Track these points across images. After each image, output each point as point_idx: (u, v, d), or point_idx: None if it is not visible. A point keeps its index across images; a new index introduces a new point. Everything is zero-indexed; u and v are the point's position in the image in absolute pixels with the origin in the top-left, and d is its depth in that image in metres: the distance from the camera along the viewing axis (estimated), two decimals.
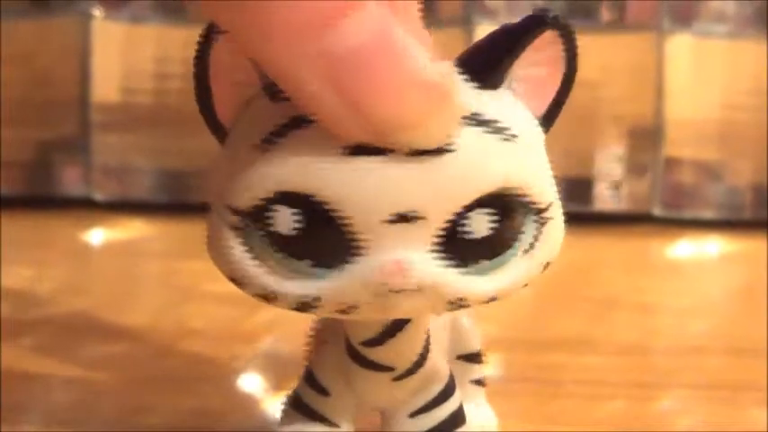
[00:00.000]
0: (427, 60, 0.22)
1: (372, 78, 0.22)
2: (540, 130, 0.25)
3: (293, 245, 0.24)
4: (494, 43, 0.24)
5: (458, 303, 0.24)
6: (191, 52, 0.24)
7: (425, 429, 0.27)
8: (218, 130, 0.25)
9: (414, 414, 0.27)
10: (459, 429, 0.28)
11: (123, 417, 0.34)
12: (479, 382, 0.31)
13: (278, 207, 0.23)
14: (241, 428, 0.33)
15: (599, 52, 0.52)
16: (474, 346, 0.31)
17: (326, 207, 0.23)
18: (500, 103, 0.24)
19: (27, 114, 0.54)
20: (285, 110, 0.24)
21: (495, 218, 0.24)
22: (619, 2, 0.52)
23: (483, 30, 0.49)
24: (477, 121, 0.24)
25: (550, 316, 0.43)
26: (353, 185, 0.23)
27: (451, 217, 0.24)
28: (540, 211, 0.24)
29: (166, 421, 0.33)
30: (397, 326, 0.26)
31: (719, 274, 0.49)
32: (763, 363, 0.37)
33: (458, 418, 0.28)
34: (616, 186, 0.53)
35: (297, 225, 0.23)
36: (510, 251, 0.24)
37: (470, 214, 0.24)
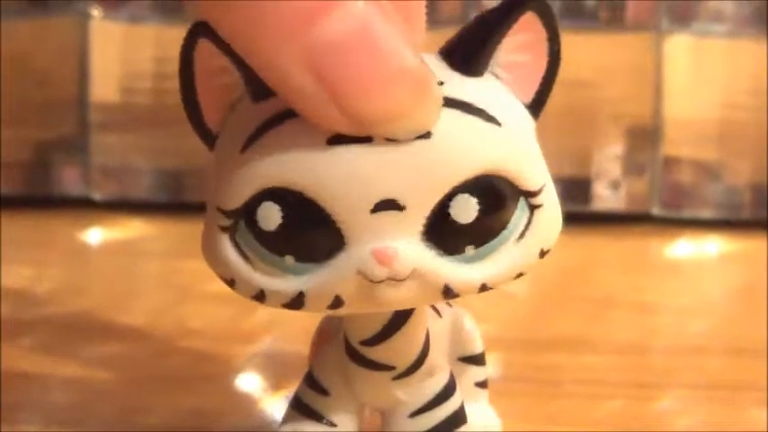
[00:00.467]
0: (409, 53, 0.23)
1: (353, 72, 0.22)
2: (528, 116, 0.25)
3: (279, 241, 0.24)
4: (475, 29, 0.24)
5: (447, 293, 0.24)
6: None
7: (426, 429, 0.27)
8: (207, 136, 0.25)
9: (414, 414, 0.27)
10: (460, 429, 0.28)
11: (122, 416, 0.34)
12: (482, 385, 0.31)
13: (263, 205, 0.24)
14: (240, 428, 0.33)
15: (597, 52, 0.52)
16: (476, 348, 0.31)
17: (309, 200, 0.23)
18: (484, 89, 0.24)
19: (26, 114, 0.54)
20: (265, 109, 0.24)
21: (481, 204, 0.24)
22: (617, 1, 0.52)
23: None
24: (458, 106, 0.24)
25: (549, 316, 0.43)
26: (333, 176, 0.23)
27: (435, 203, 0.24)
28: (529, 198, 0.24)
29: (165, 421, 0.33)
30: (396, 324, 0.26)
31: (719, 274, 0.49)
32: (763, 363, 0.37)
33: (458, 417, 0.28)
34: (615, 186, 0.53)
35: (281, 221, 0.24)
36: (499, 238, 0.24)
37: (455, 200, 0.24)
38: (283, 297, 0.24)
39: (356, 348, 0.27)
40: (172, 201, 0.54)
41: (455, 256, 0.24)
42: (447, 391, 0.28)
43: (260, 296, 0.25)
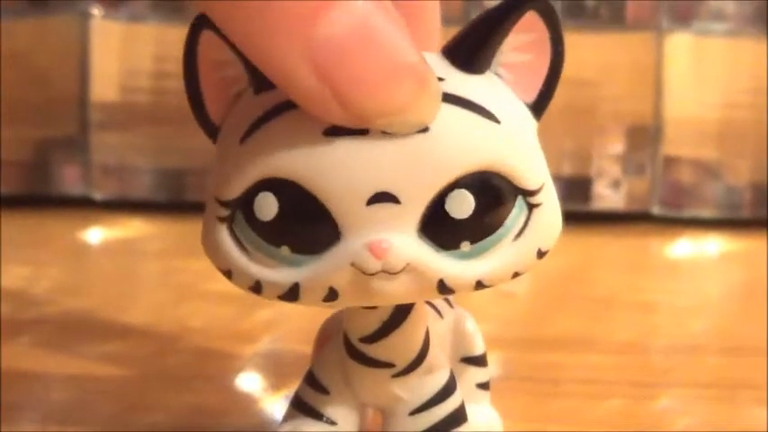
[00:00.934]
0: (409, 50, 0.23)
1: (353, 67, 0.22)
2: (529, 116, 0.25)
3: (275, 232, 0.24)
4: (477, 27, 0.25)
5: (441, 288, 0.24)
6: None
7: (426, 428, 0.27)
8: (210, 128, 0.25)
9: (414, 412, 0.27)
10: (461, 428, 0.28)
11: (122, 415, 0.34)
12: (483, 386, 0.31)
13: (260, 195, 0.24)
14: (240, 427, 0.33)
15: (598, 51, 0.52)
16: (477, 349, 0.31)
17: (305, 191, 0.23)
18: (484, 86, 0.24)
19: (26, 113, 0.54)
20: (266, 101, 0.24)
21: (478, 200, 0.24)
22: (618, 1, 0.52)
23: None
24: (457, 102, 0.24)
25: (549, 315, 0.43)
26: (330, 167, 0.23)
27: (431, 197, 0.24)
28: (528, 196, 0.24)
29: (165, 420, 0.33)
30: (396, 321, 0.26)
31: (718, 273, 0.49)
32: (763, 362, 0.37)
33: (459, 416, 0.28)
34: (615, 185, 0.53)
35: (277, 211, 0.24)
36: (495, 235, 0.24)
37: (451, 195, 0.24)
38: (279, 288, 0.24)
39: (356, 346, 0.27)
40: (172, 200, 0.54)
41: (450, 251, 0.24)
42: (447, 390, 0.28)
43: (256, 287, 0.25)
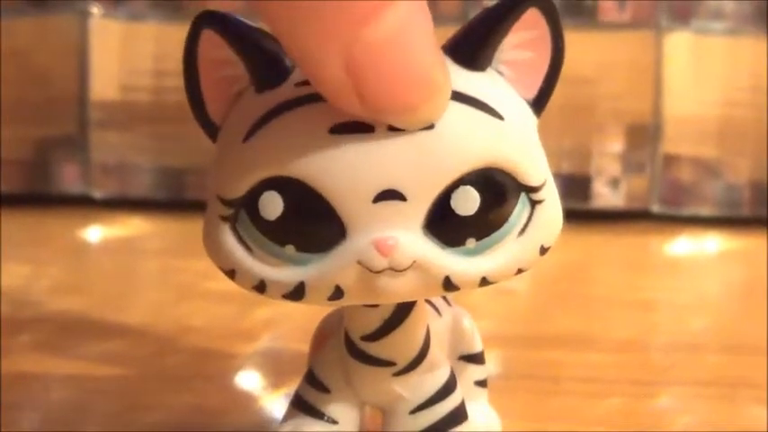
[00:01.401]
0: (436, 53, 0.23)
1: (383, 69, 0.22)
2: (530, 113, 0.25)
3: (280, 231, 0.24)
4: (478, 25, 0.25)
5: (447, 285, 0.24)
6: None
7: (426, 426, 0.27)
8: (210, 128, 0.25)
9: (414, 411, 0.27)
10: (461, 426, 0.28)
11: (122, 414, 0.34)
12: (481, 384, 0.31)
13: (265, 194, 0.24)
14: (240, 426, 0.33)
15: (598, 49, 0.52)
16: (476, 346, 0.31)
17: (311, 189, 0.23)
18: (487, 84, 0.24)
19: (25, 112, 0.54)
20: (269, 100, 0.24)
21: (482, 196, 0.24)
22: (618, 0, 0.52)
23: None
24: (462, 99, 0.24)
25: (549, 313, 0.43)
26: (335, 165, 0.23)
27: (437, 194, 0.24)
28: (531, 193, 0.24)
29: (165, 419, 0.33)
30: (397, 320, 0.26)
31: (718, 272, 0.49)
32: (762, 360, 0.37)
33: (459, 415, 0.28)
34: (614, 183, 0.53)
35: (282, 210, 0.24)
36: (500, 232, 0.24)
37: (457, 192, 0.24)
38: (284, 287, 0.24)
39: (357, 344, 0.27)
40: (172, 198, 0.54)
41: (456, 248, 0.24)
42: (447, 388, 0.28)
43: (261, 287, 0.25)
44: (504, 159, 0.24)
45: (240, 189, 0.24)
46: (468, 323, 0.30)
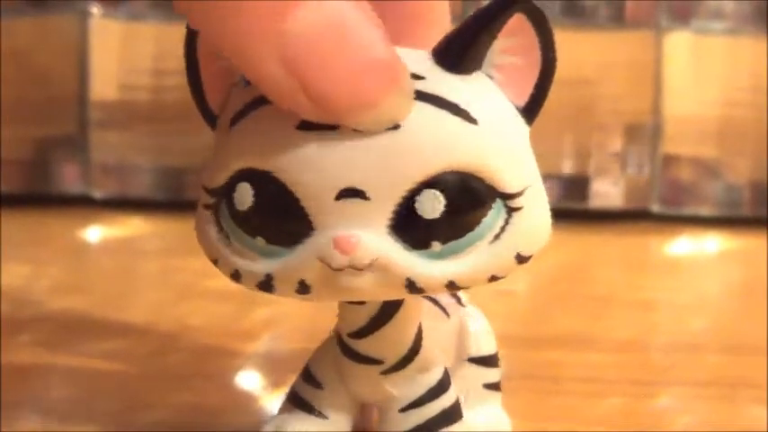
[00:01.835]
0: (379, 45, 0.23)
1: (320, 61, 0.23)
2: (517, 119, 0.25)
3: (251, 222, 0.24)
4: (464, 28, 0.24)
5: (410, 287, 0.24)
6: None
7: (417, 424, 0.27)
8: (210, 117, 0.26)
9: (404, 409, 0.27)
10: (453, 426, 0.27)
11: (122, 413, 0.34)
12: (492, 387, 0.31)
13: (239, 185, 0.24)
14: (239, 425, 0.33)
15: (597, 50, 0.52)
16: (483, 349, 0.30)
17: (279, 183, 0.24)
18: (467, 87, 0.24)
19: (25, 112, 0.54)
20: (250, 93, 0.24)
21: (449, 200, 0.24)
22: (618, 0, 0.52)
23: None
24: (431, 101, 0.24)
25: (549, 313, 0.43)
26: (300, 160, 0.24)
27: (400, 196, 0.24)
28: (507, 199, 0.24)
29: (165, 418, 0.33)
30: (384, 317, 0.26)
31: (718, 271, 0.49)
32: (762, 360, 0.37)
33: (451, 415, 0.27)
34: (614, 183, 0.53)
35: (252, 202, 0.24)
36: (469, 237, 0.24)
37: (421, 194, 0.24)
38: (254, 278, 0.25)
39: (346, 341, 0.27)
40: (171, 199, 0.54)
41: (421, 250, 0.24)
42: (440, 387, 0.27)
43: (236, 276, 0.25)
44: (475, 163, 0.24)
45: (220, 179, 0.25)
46: (473, 325, 0.30)
